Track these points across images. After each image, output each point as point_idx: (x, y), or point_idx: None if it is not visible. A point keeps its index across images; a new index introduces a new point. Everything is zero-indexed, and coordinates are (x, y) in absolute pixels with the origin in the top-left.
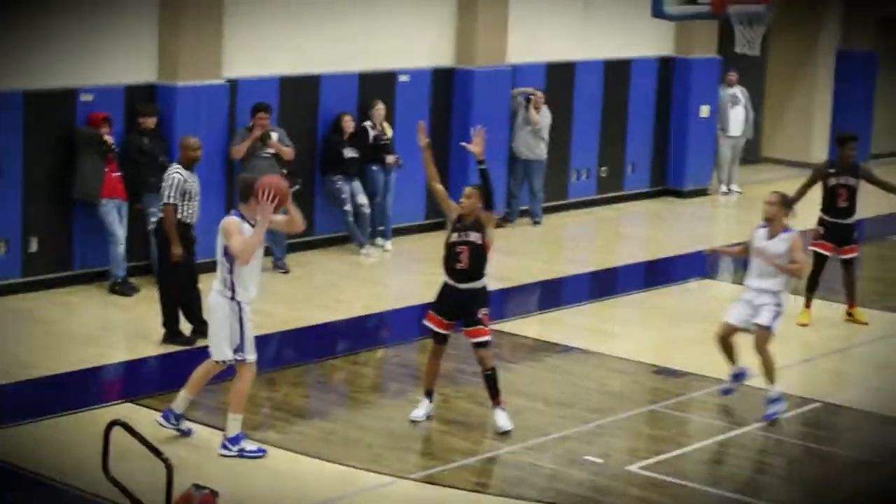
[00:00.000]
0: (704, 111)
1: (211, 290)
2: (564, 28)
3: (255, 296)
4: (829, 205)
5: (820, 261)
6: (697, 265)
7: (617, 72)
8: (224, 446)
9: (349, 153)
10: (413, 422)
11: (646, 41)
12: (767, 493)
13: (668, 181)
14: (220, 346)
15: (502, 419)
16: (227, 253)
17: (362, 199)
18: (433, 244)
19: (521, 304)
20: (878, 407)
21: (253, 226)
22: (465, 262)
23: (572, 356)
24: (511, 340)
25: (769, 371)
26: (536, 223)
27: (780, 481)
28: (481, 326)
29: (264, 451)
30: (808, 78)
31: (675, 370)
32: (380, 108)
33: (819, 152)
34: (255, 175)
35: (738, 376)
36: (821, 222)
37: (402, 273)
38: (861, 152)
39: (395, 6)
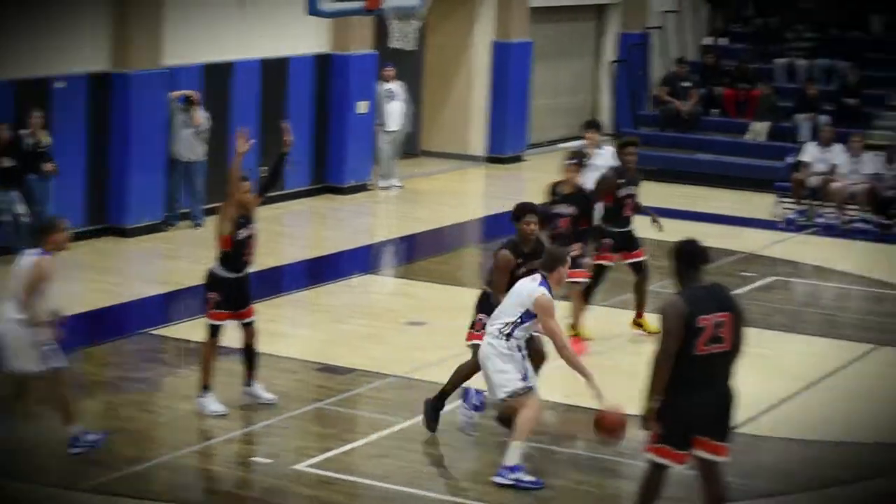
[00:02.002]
0: (362, 107)
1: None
2: (220, 28)
3: None
4: (615, 215)
5: (601, 273)
6: (360, 261)
7: (274, 70)
8: (500, 474)
9: (6, 163)
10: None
11: (302, 39)
12: (435, 484)
13: (328, 178)
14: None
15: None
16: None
17: (21, 208)
18: (97, 250)
19: (186, 308)
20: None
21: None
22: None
23: (237, 358)
24: (176, 345)
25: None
26: (198, 225)
27: (447, 471)
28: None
29: (542, 483)
30: (464, 70)
31: (340, 367)
32: (36, 116)
33: (477, 144)
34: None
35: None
36: (605, 234)
37: (64, 282)
38: (517, 142)
39: (51, 12)
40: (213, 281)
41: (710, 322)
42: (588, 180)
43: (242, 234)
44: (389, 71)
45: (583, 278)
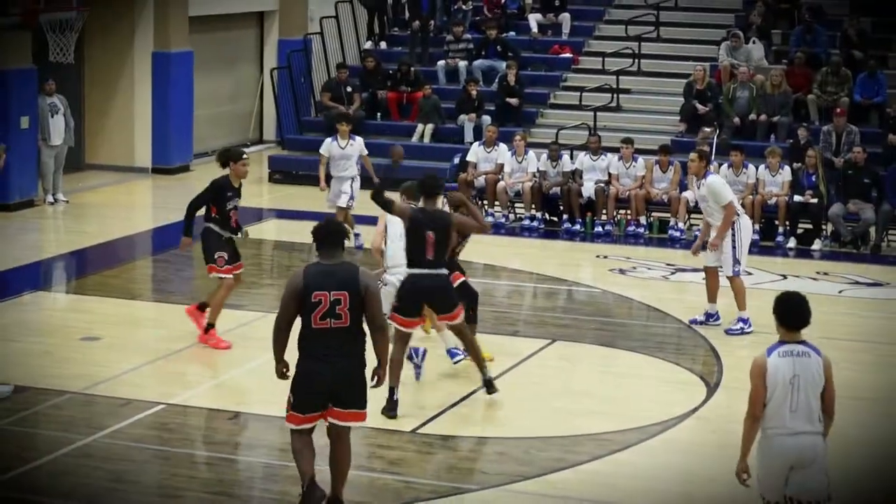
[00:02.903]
0: (24, 122)
1: None
2: None
3: None
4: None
5: None
6: (30, 278)
7: None
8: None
9: None
10: None
11: None
12: (117, 501)
13: None
14: None
15: None
16: None
17: None
18: None
19: None
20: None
21: None
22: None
23: None
24: None
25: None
26: None
27: (130, 486)
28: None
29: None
30: (126, 81)
31: (17, 385)
32: None
33: (142, 155)
34: None
35: None
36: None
37: None
38: (183, 152)
39: None
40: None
41: (327, 298)
42: None
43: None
44: (51, 84)
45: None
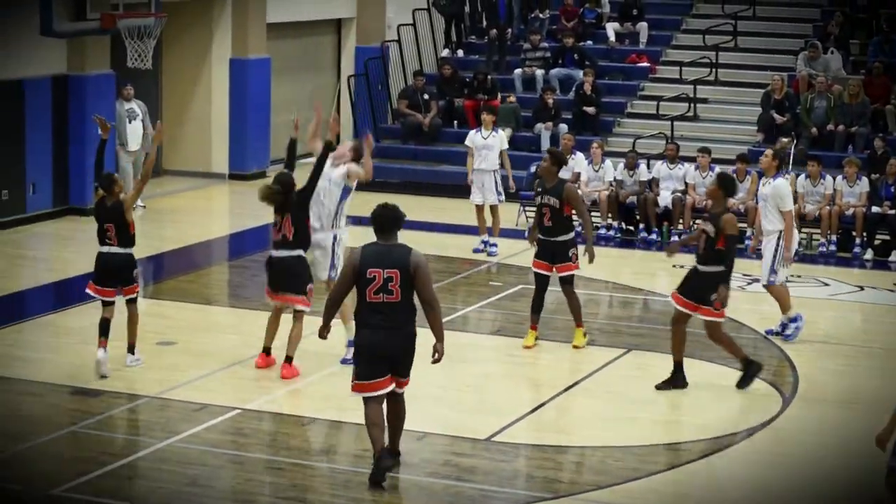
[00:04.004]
0: None
1: None
2: None
3: None
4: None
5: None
6: None
7: (9, 92)
8: None
9: None
10: None
11: (38, 60)
12: (193, 503)
13: (71, 199)
14: None
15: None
16: None
17: None
18: None
19: None
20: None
21: None
22: None
23: None
24: None
25: None
26: None
27: (206, 490)
28: None
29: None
30: (204, 87)
31: (92, 389)
32: None
33: (219, 161)
34: None
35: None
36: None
37: None
38: (260, 158)
39: None
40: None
41: (380, 274)
42: None
43: None
44: (128, 90)
45: None
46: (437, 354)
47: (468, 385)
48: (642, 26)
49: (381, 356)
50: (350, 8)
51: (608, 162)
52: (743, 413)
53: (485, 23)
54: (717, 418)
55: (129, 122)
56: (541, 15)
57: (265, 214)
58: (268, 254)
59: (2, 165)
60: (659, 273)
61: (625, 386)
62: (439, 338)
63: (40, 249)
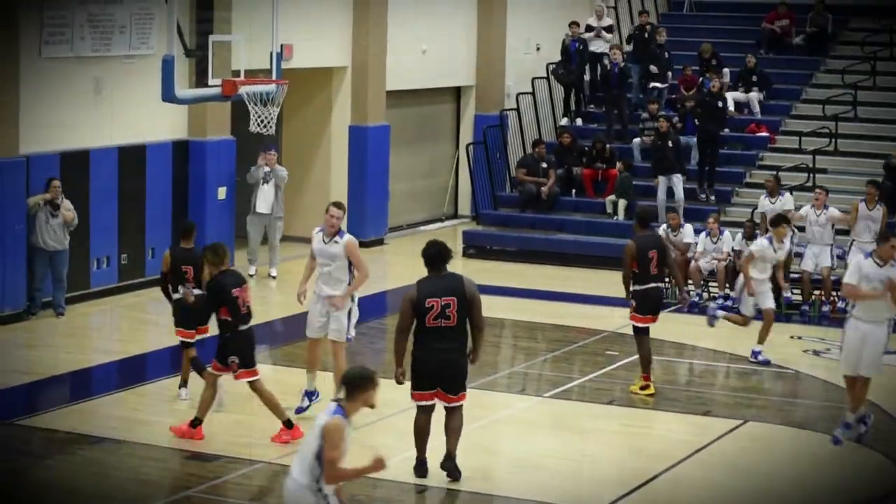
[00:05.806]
0: (221, 193)
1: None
2: (76, 115)
3: None
4: None
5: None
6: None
7: (132, 157)
8: None
9: None
10: None
11: (159, 125)
12: None
13: None
14: None
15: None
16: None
17: None
18: None
19: (51, 398)
20: None
21: None
22: None
23: (105, 447)
24: (43, 436)
25: None
26: (60, 314)
27: None
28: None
29: None
30: (323, 154)
31: (208, 454)
32: None
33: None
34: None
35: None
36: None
37: None
38: (378, 226)
39: None
40: None
41: (438, 303)
42: None
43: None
44: (272, 155)
45: None
46: (473, 360)
47: (584, 455)
48: (752, 97)
49: (430, 374)
50: (469, 76)
51: (727, 233)
52: (858, 488)
53: (602, 92)
54: (833, 489)
55: (264, 184)
56: (659, 85)
57: (386, 282)
58: (381, 322)
59: (123, 230)
60: (776, 344)
61: (740, 457)
62: (477, 349)
63: (160, 314)
